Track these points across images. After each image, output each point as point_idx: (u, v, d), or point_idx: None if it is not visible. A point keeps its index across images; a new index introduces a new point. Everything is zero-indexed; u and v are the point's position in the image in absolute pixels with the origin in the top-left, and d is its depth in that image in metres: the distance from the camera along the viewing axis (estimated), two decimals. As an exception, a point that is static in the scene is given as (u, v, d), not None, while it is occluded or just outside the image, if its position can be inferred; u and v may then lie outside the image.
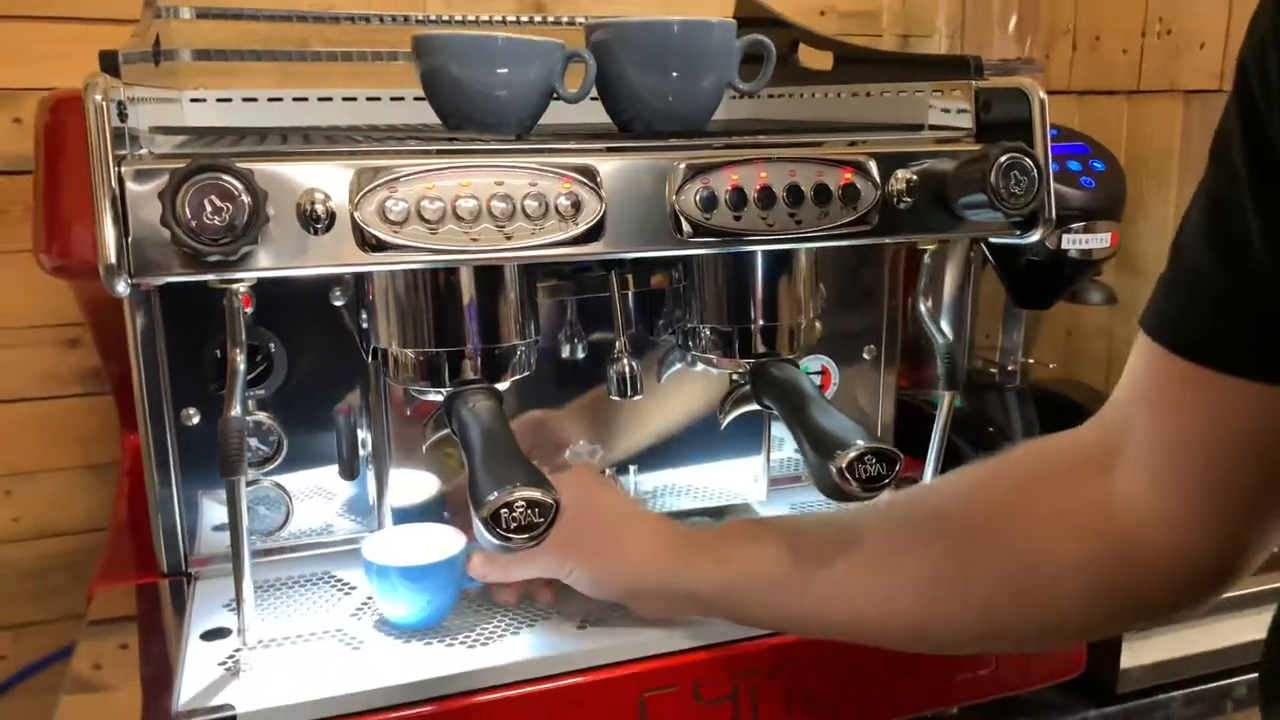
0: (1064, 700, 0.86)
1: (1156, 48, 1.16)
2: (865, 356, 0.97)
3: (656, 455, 0.87)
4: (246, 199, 0.55)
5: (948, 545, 0.63)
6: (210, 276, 0.59)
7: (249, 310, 0.64)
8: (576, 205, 0.63)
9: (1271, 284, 0.48)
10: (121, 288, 0.55)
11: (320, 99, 0.94)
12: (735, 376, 0.80)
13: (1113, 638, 0.86)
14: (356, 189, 0.59)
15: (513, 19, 0.99)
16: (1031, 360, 1.19)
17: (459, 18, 0.97)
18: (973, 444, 1.04)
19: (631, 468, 0.86)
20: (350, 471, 0.80)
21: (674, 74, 0.74)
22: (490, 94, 0.72)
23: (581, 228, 0.64)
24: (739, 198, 0.66)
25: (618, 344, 0.75)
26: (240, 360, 0.62)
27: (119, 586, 0.78)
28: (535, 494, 0.59)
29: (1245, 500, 0.54)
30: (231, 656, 0.68)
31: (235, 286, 0.61)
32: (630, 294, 0.79)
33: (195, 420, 0.76)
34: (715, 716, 0.72)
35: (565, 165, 0.63)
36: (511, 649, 0.70)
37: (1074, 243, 1.01)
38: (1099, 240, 1.01)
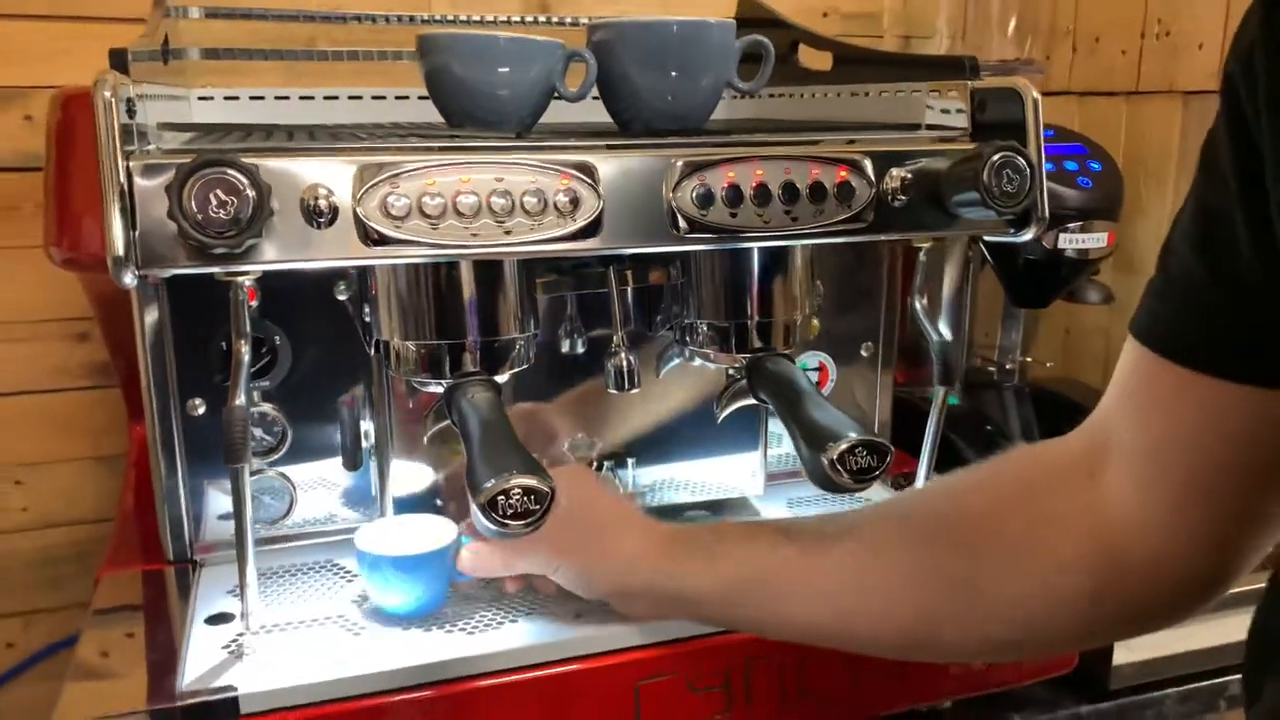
0: (1056, 696, 0.87)
1: (1155, 49, 1.17)
2: (863, 354, 0.98)
3: (655, 450, 0.88)
4: (251, 193, 0.56)
5: (936, 553, 0.64)
6: (215, 269, 0.60)
7: (254, 304, 0.65)
8: (575, 201, 0.64)
9: (1261, 292, 0.48)
10: (129, 279, 0.57)
11: (326, 97, 0.96)
12: (731, 371, 0.81)
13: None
14: (359, 184, 0.61)
15: (517, 19, 1.00)
16: (1030, 359, 1.20)
17: (464, 18, 0.99)
18: (971, 443, 1.05)
19: (630, 461, 0.87)
20: (353, 462, 0.82)
21: (673, 73, 0.75)
22: (492, 93, 0.73)
23: (579, 224, 0.65)
24: (735, 195, 0.68)
25: (615, 338, 0.76)
26: (245, 351, 0.64)
27: (125, 572, 0.80)
28: (531, 481, 0.60)
29: (1233, 506, 0.54)
30: (235, 640, 0.70)
31: (240, 279, 0.62)
32: (629, 290, 0.80)
33: (201, 411, 0.78)
34: (708, 705, 0.73)
35: (564, 162, 0.65)
36: (509, 637, 0.71)
37: (1071, 242, 1.01)
38: (1095, 240, 1.02)
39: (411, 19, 0.96)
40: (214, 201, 0.56)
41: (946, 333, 0.81)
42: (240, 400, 0.62)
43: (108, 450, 1.12)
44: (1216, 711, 0.92)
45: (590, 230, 0.65)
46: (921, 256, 0.80)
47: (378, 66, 0.97)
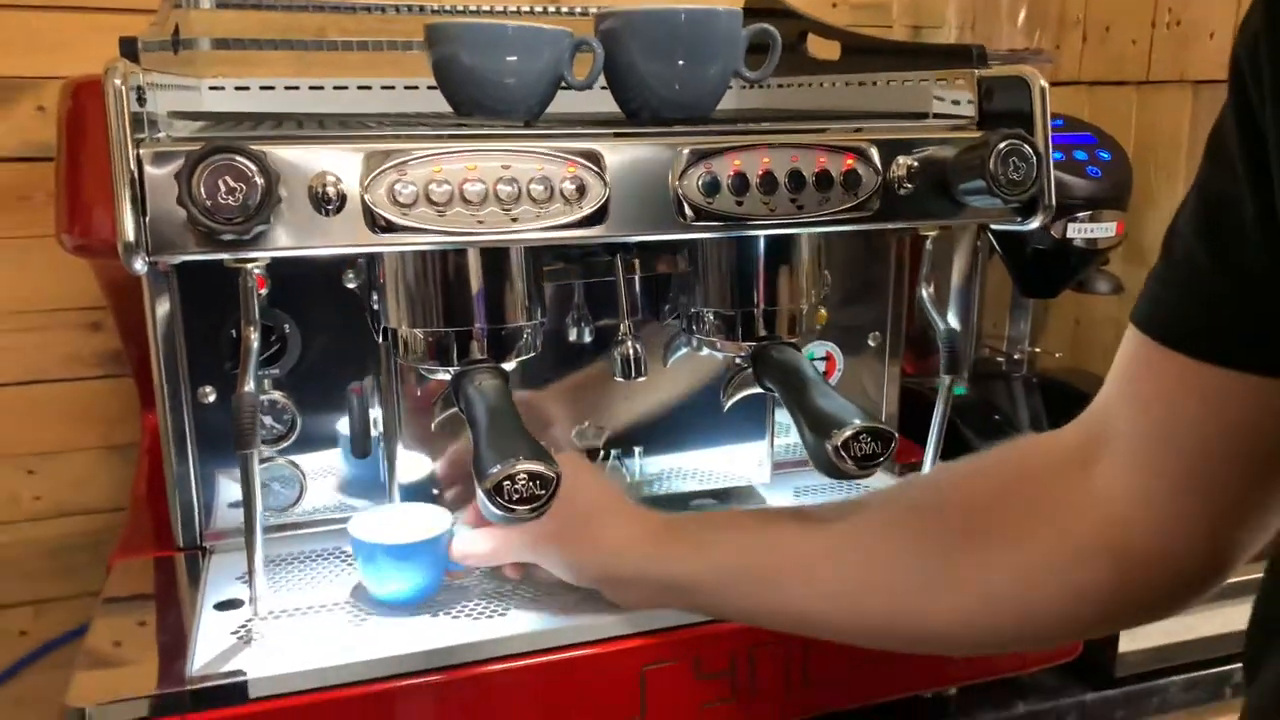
0: (1062, 683, 0.87)
1: (1166, 38, 1.16)
2: (871, 344, 0.98)
3: (662, 438, 0.89)
4: (260, 180, 0.57)
5: (925, 542, 0.63)
6: (224, 255, 0.60)
7: (264, 292, 0.66)
8: (581, 189, 0.65)
9: (1266, 279, 0.48)
10: (139, 265, 0.57)
11: (336, 87, 0.96)
12: (737, 359, 0.81)
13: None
14: (367, 172, 0.61)
15: (526, 9, 1.00)
16: (1038, 349, 1.20)
17: (473, 7, 0.99)
18: (979, 433, 1.05)
19: (637, 450, 0.88)
20: (362, 450, 0.82)
21: (680, 62, 0.76)
22: (500, 81, 0.74)
23: (585, 211, 0.65)
24: (741, 183, 0.68)
25: (622, 326, 0.77)
26: (254, 338, 0.64)
27: (137, 559, 0.81)
28: (537, 467, 0.61)
29: (1229, 497, 0.54)
30: (244, 626, 0.70)
31: (249, 266, 0.63)
32: (636, 279, 0.81)
33: (212, 399, 0.78)
34: (715, 690, 0.74)
35: (570, 150, 0.65)
36: (515, 622, 0.72)
37: (1079, 232, 1.01)
38: (1104, 230, 1.02)
39: (421, 9, 0.96)
40: (223, 188, 0.56)
41: (953, 322, 0.81)
42: (249, 387, 0.63)
43: (121, 439, 1.13)
44: (1222, 699, 0.92)
45: (596, 218, 0.65)
46: (928, 245, 0.80)
47: (387, 56, 0.97)
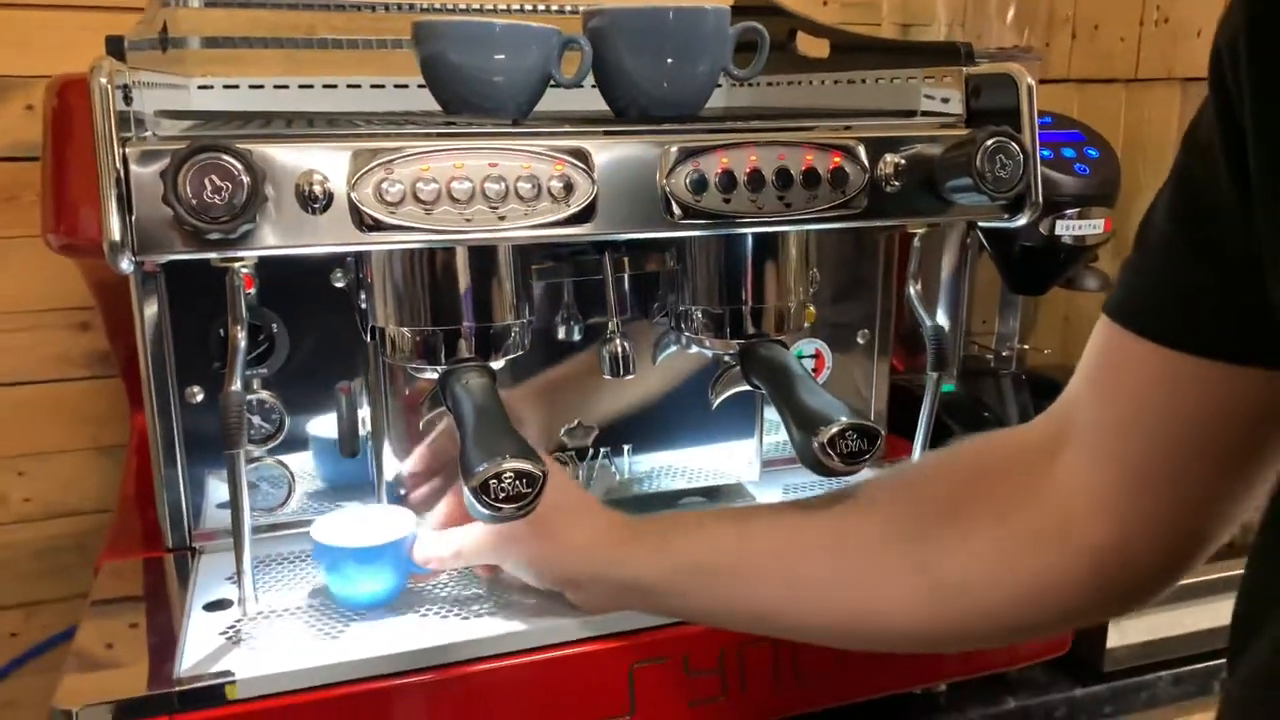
0: (1050, 679, 0.88)
1: (1154, 36, 1.16)
2: (860, 341, 0.98)
3: (652, 436, 0.89)
4: (246, 179, 0.57)
5: (891, 537, 0.63)
6: (211, 254, 0.60)
7: (251, 291, 0.66)
8: (568, 187, 0.65)
9: (1243, 268, 0.47)
10: (125, 265, 0.57)
11: (325, 86, 0.96)
12: (726, 357, 0.81)
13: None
14: (354, 171, 0.61)
15: (515, 7, 1.00)
16: (1027, 346, 1.20)
17: (462, 5, 0.99)
18: (968, 430, 1.06)
19: (626, 448, 0.88)
20: (351, 449, 0.82)
21: (669, 60, 0.76)
22: (487, 79, 0.74)
23: (573, 209, 0.65)
24: (729, 180, 0.68)
25: (610, 324, 0.77)
26: (241, 337, 0.64)
27: (125, 560, 0.80)
28: (523, 465, 0.61)
29: (1191, 488, 0.54)
30: (232, 627, 0.70)
31: (236, 265, 0.63)
32: (625, 277, 0.80)
33: (199, 399, 0.78)
34: (704, 688, 0.74)
35: (558, 148, 0.65)
36: (504, 621, 0.72)
37: (1068, 229, 1.02)
38: (1092, 226, 1.02)
39: (411, 6, 0.96)
40: (209, 187, 0.56)
41: (941, 319, 0.82)
42: (236, 385, 0.63)
43: (110, 440, 1.13)
44: (1210, 694, 0.92)
45: (584, 216, 0.65)
46: (916, 242, 0.81)
47: (377, 55, 0.97)
